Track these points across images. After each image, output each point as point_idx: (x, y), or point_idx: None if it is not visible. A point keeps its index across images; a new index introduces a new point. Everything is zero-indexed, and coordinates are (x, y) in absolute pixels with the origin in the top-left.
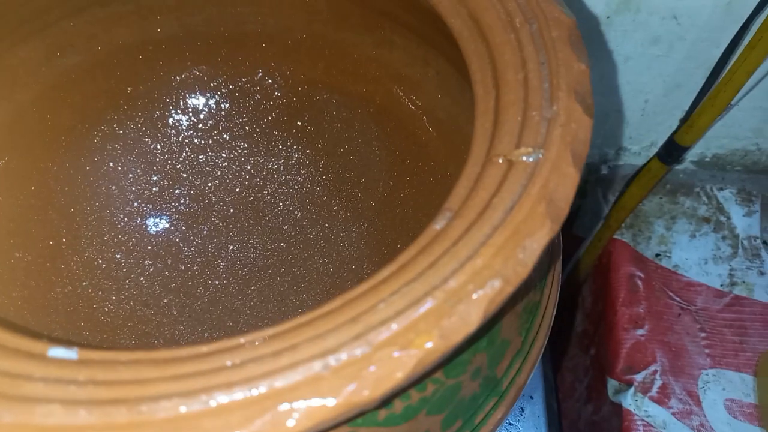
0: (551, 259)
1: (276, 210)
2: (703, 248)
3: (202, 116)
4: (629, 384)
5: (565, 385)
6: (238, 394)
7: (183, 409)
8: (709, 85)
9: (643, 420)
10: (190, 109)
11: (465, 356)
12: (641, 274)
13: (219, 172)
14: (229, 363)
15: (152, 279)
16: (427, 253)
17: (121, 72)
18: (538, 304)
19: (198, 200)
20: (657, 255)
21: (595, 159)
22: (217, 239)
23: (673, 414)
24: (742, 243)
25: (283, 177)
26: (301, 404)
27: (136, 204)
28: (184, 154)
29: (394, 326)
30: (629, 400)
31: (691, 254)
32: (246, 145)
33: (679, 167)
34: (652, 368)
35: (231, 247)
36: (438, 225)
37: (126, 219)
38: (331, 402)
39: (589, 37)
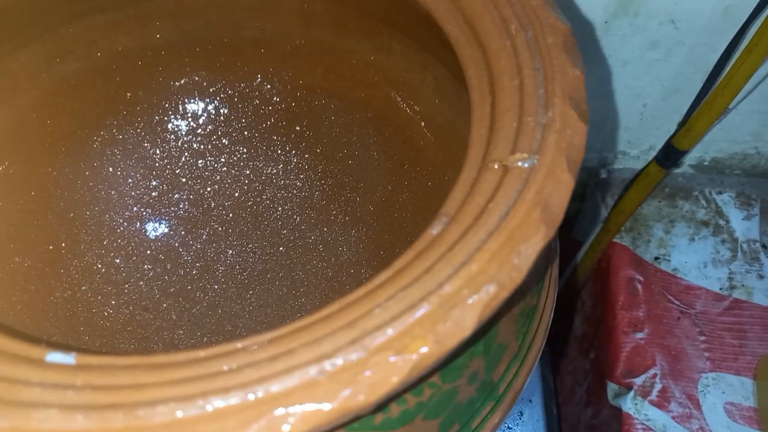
0: (548, 264)
1: (275, 214)
2: (703, 252)
3: (201, 121)
4: (629, 387)
5: (564, 389)
6: (234, 399)
7: (179, 413)
8: (706, 89)
9: (642, 423)
10: (189, 114)
11: (461, 360)
12: (641, 278)
13: (218, 177)
14: (225, 368)
15: (151, 283)
16: (423, 258)
17: (120, 78)
18: (534, 308)
19: (197, 205)
20: (656, 258)
21: (595, 163)
22: (217, 244)
23: (673, 418)
24: (741, 246)
25: (282, 182)
26: (296, 409)
27: (135, 209)
28: (183, 158)
29: (390, 331)
30: (629, 404)
31: (690, 258)
32: (245, 150)
33: (678, 171)
34: (651, 372)
35: (230, 252)
36: (434, 230)
37: (125, 224)
38: (326, 407)
39: (588, 41)
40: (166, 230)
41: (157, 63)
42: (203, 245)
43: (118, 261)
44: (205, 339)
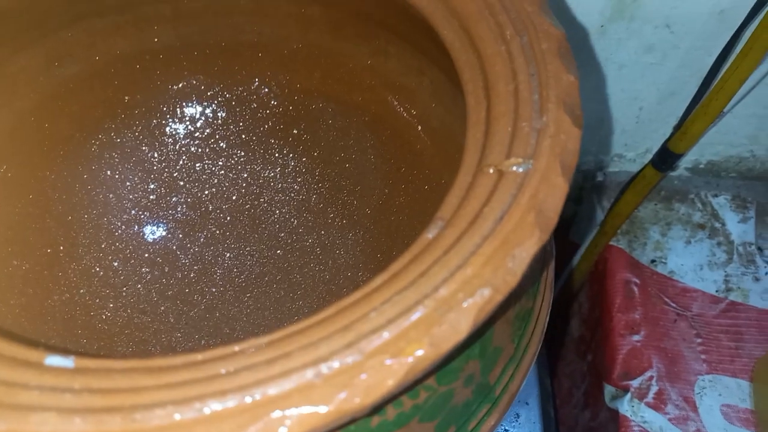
0: (543, 267)
1: (272, 218)
2: (699, 254)
3: (198, 125)
4: (626, 390)
5: (562, 391)
6: (232, 402)
7: (177, 416)
8: (701, 93)
9: (639, 426)
10: (186, 118)
11: (457, 363)
12: (637, 280)
13: (216, 180)
14: (223, 371)
15: (149, 286)
16: (419, 262)
17: (118, 81)
18: (530, 311)
19: (195, 208)
20: (653, 261)
21: (591, 166)
22: (214, 247)
23: (670, 420)
24: (737, 249)
25: (280, 185)
26: (293, 412)
27: (133, 212)
28: (181, 162)
29: (386, 334)
30: (626, 406)
31: (686, 260)
32: (242, 154)
33: (674, 174)
34: (648, 374)
35: (228, 255)
36: (430, 234)
37: (123, 227)
38: (322, 409)
39: (584, 45)
40: (164, 233)
41: (155, 67)
42: (201, 248)
43: (116, 264)
44: (202, 342)
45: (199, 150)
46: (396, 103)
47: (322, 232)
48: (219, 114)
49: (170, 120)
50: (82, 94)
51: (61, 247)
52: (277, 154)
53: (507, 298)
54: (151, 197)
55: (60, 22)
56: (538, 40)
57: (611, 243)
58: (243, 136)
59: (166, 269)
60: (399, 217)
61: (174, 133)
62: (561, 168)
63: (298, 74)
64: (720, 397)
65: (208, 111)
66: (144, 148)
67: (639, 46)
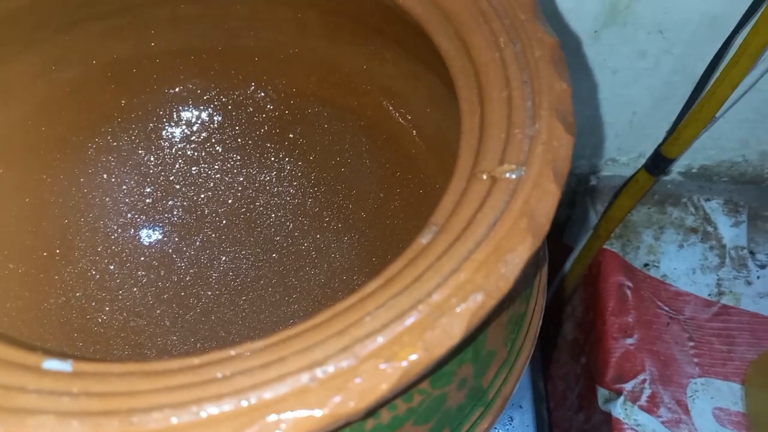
0: (536, 271)
1: (268, 221)
2: (691, 258)
3: (195, 128)
4: (619, 393)
5: (557, 394)
6: (228, 406)
7: (174, 420)
8: (694, 98)
9: (632, 429)
10: (183, 122)
11: (451, 367)
12: (630, 284)
13: (212, 184)
14: (219, 375)
15: (145, 290)
16: (413, 267)
17: (115, 85)
18: (523, 315)
19: (191, 211)
20: (645, 265)
21: (585, 170)
22: (210, 250)
23: (662, 423)
24: (729, 253)
25: (276, 189)
26: (288, 415)
27: (129, 215)
28: (177, 165)
29: (380, 339)
30: (619, 409)
31: (679, 264)
32: (238, 157)
33: (666, 178)
34: (641, 377)
35: (223, 258)
36: (424, 239)
37: (119, 230)
38: (317, 413)
39: (578, 51)
40: (160, 237)
41: (152, 71)
42: (197, 252)
43: (112, 267)
44: (198, 345)
45: (196, 154)
46: (391, 108)
47: (318, 236)
48: (215, 118)
49: (167, 124)
50: (78, 97)
51: (58, 251)
52: (272, 158)
53: (500, 303)
54: (148, 201)
55: (57, 26)
56: (532, 48)
57: (605, 247)
58: (239, 140)
59: (162, 272)
60: (394, 221)
61: (170, 136)
62: (553, 174)
63: (294, 79)
64: (712, 400)
65: (204, 115)
66: (140, 151)
67: (632, 52)
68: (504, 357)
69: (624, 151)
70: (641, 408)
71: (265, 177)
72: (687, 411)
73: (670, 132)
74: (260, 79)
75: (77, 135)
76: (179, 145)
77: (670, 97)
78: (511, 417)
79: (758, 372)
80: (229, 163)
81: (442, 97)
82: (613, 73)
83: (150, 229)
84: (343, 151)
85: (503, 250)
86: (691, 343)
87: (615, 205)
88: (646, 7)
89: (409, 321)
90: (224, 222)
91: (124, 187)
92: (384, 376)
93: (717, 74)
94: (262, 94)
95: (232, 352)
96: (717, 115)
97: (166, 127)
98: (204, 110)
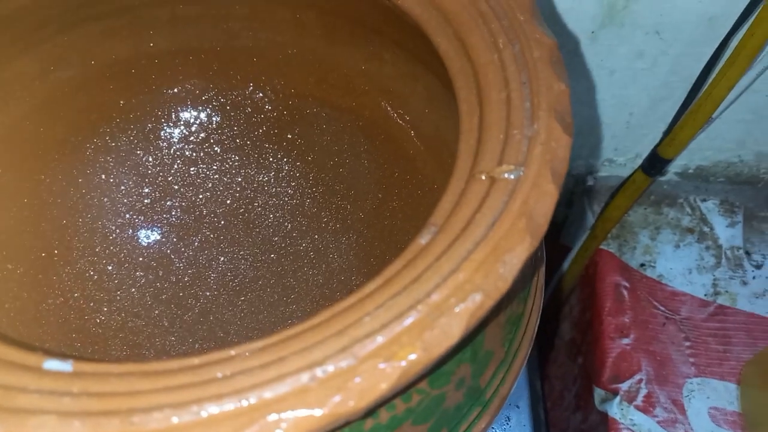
0: (533, 272)
1: (266, 222)
2: (687, 258)
3: (193, 129)
4: (615, 393)
5: (554, 394)
6: (228, 405)
7: (174, 420)
8: (690, 98)
9: (629, 429)
10: (181, 122)
11: (449, 367)
12: (627, 284)
13: (210, 184)
14: (219, 375)
15: (143, 290)
16: (412, 268)
17: (113, 86)
18: (521, 316)
19: (189, 212)
20: (642, 265)
21: (582, 170)
22: (208, 251)
23: (659, 423)
24: (725, 253)
25: (274, 189)
26: (288, 415)
27: (127, 216)
28: (175, 166)
29: (379, 339)
30: (615, 409)
31: (675, 264)
32: (237, 158)
33: (663, 179)
34: (637, 377)
35: (222, 259)
36: (423, 239)
37: (118, 231)
38: (317, 412)
39: (576, 51)
40: (159, 237)
41: (151, 71)
42: (195, 252)
43: (110, 268)
44: (196, 346)
45: (194, 154)
46: (390, 108)
47: (316, 236)
48: (214, 118)
49: (165, 124)
50: (77, 98)
51: (56, 251)
52: (271, 159)
53: (498, 303)
54: (146, 201)
55: (56, 27)
56: (530, 49)
57: (601, 247)
58: (237, 141)
59: (161, 273)
60: (392, 222)
61: (169, 137)
62: (551, 175)
63: (292, 79)
64: (708, 399)
65: (202, 115)
66: (139, 152)
67: (629, 53)
68: (502, 357)
69: (621, 152)
70: (637, 408)
71: (263, 177)
72: (683, 411)
73: (667, 132)
74: (259, 80)
75: (76, 135)
76: (178, 146)
77: (667, 97)
78: (508, 417)
79: (754, 372)
80: (228, 163)
81: (440, 97)
82: (611, 74)
83: (148, 229)
84: (341, 152)
85: (502, 250)
86: (688, 343)
87: (612, 206)
88: (643, 8)
89: (408, 321)
90: (222, 222)
91: (122, 187)
92: (383, 376)
93: (714, 75)
94: (261, 94)
95: (232, 352)
96: (714, 115)
97: (165, 128)
98: (202, 111)
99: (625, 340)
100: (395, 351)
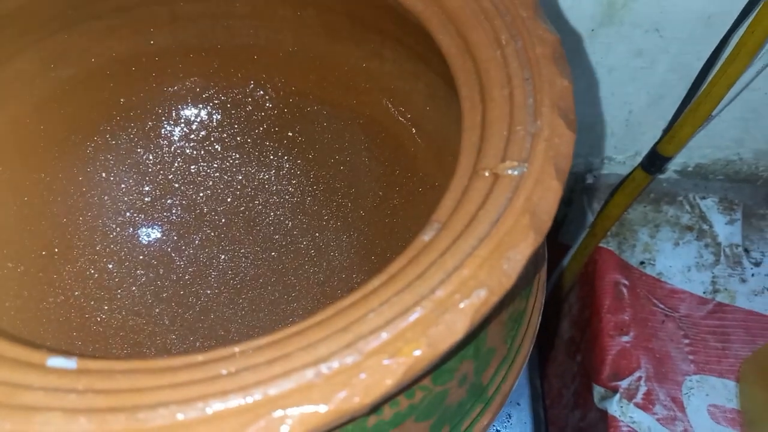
0: (536, 269)
1: (267, 220)
2: (687, 256)
3: (194, 127)
4: (615, 390)
5: (552, 392)
6: (233, 402)
7: (180, 416)
8: (690, 96)
9: (628, 426)
10: (182, 120)
11: (452, 363)
12: (626, 282)
13: (211, 183)
14: (224, 371)
15: (144, 289)
16: (416, 264)
17: (114, 84)
18: (523, 313)
19: (190, 210)
20: (641, 263)
21: (581, 168)
22: (209, 249)
23: (658, 420)
24: (724, 251)
25: (275, 187)
26: (294, 411)
27: (128, 214)
28: (176, 164)
29: (384, 335)
30: (615, 407)
31: (674, 262)
32: (237, 156)
33: (662, 176)
34: (636, 375)
35: (223, 257)
36: (426, 236)
37: (118, 229)
38: (323, 408)
39: (575, 49)
40: (159, 235)
41: (151, 69)
42: (196, 250)
43: (110, 266)
44: (197, 344)
45: (194, 152)
46: (390, 106)
47: (317, 234)
48: (214, 116)
49: (165, 122)
50: (77, 96)
51: (56, 250)
52: (271, 157)
53: (502, 299)
54: (146, 199)
55: (57, 25)
56: (533, 45)
57: (601, 245)
58: (238, 139)
59: (161, 271)
60: (393, 219)
61: (169, 135)
62: (555, 171)
63: (293, 77)
64: (707, 397)
65: (203, 113)
66: (139, 150)
67: (629, 51)
68: (504, 354)
69: (620, 150)
70: (637, 405)
71: (264, 175)
72: (682, 408)
73: (667, 130)
74: (259, 78)
75: (76, 133)
76: (178, 144)
77: (667, 95)
78: (509, 414)
79: (753, 369)
80: (228, 161)
81: (441, 95)
82: (610, 72)
83: (149, 227)
84: (342, 150)
85: (506, 246)
86: (687, 341)
87: (611, 204)
88: (642, 6)
89: (413, 317)
90: (223, 221)
91: (122, 185)
92: (388, 372)
93: (713, 73)
94: (261, 92)
95: (236, 349)
96: (713, 113)
97: (165, 126)
98: (203, 109)
99: (625, 338)
100: (400, 347)
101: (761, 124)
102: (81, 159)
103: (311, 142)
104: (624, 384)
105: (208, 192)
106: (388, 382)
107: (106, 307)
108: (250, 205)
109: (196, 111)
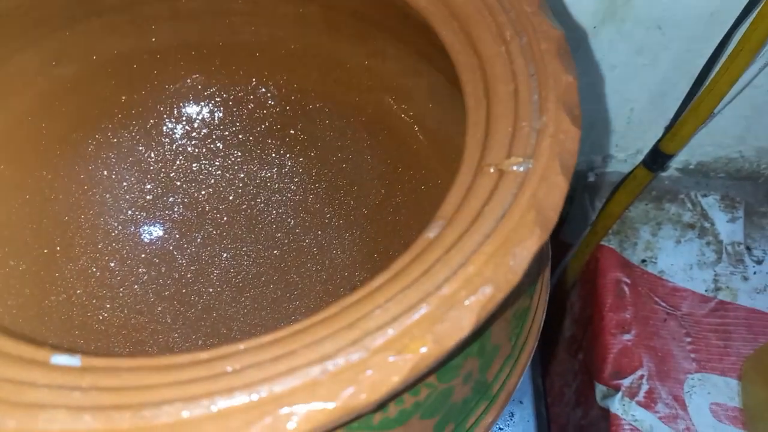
0: (540, 266)
1: (269, 218)
2: (688, 254)
3: (195, 125)
4: (617, 389)
5: (554, 390)
6: (239, 399)
7: (185, 414)
8: (692, 94)
9: (630, 424)
10: (183, 118)
11: (457, 361)
12: (628, 280)
13: (212, 181)
14: (229, 369)
15: (146, 287)
16: (421, 261)
17: (115, 81)
18: (527, 310)
19: (192, 208)
20: (643, 261)
21: (583, 166)
22: (211, 247)
23: (660, 418)
24: (726, 249)
25: (277, 185)
26: (300, 408)
27: (129, 212)
28: (177, 162)
29: (390, 332)
30: (617, 405)
31: (676, 260)
32: (239, 154)
33: (664, 174)
34: (638, 373)
35: (224, 255)
36: (431, 233)
37: (120, 227)
38: (329, 405)
39: (577, 46)
40: (161, 234)
41: (153, 66)
42: (198, 249)
43: (112, 264)
44: (200, 342)
45: (196, 150)
46: (393, 103)
47: (319, 232)
48: (216, 114)
49: (167, 120)
50: (79, 93)
51: (58, 248)
52: (274, 155)
53: (508, 296)
54: (148, 197)
55: (58, 22)
56: (538, 41)
57: (602, 243)
58: (240, 136)
59: (163, 270)
60: (396, 217)
61: (171, 133)
62: (561, 167)
63: (295, 74)
64: (709, 395)
65: (205, 111)
66: (141, 148)
67: (630, 48)
68: (508, 351)
69: (622, 148)
70: (639, 404)
71: (266, 173)
72: (684, 406)
73: (669, 127)
74: (261, 75)
75: (77, 131)
76: (180, 142)
77: (668, 93)
78: (512, 413)
79: (755, 367)
80: (230, 159)
81: (444, 92)
82: (612, 69)
83: (150, 226)
84: (344, 147)
85: (512, 243)
86: (688, 339)
87: (613, 201)
88: (644, 3)
89: (419, 314)
90: (225, 219)
91: (124, 183)
92: (395, 369)
93: (716, 70)
94: (263, 90)
95: (241, 347)
96: (715, 111)
97: (167, 124)
98: (205, 106)
99: (627, 336)
100: (406, 344)
101: (763, 121)
102: (82, 157)
103: (313, 140)
104: (626, 382)
105: (210, 190)
106: (395, 379)
107: (108, 306)
108: (252, 203)
109: (197, 108)
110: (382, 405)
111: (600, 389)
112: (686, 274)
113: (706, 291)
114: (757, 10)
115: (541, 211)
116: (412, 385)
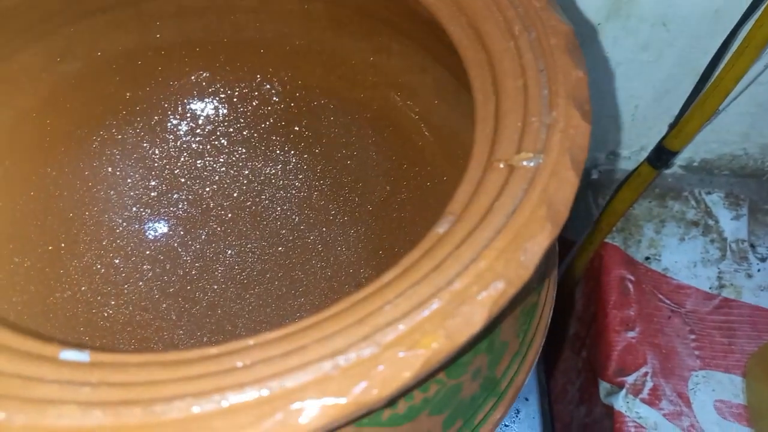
0: (549, 263)
1: (274, 214)
2: (692, 251)
3: (200, 121)
4: (621, 386)
5: (557, 388)
6: (250, 394)
7: (196, 409)
8: (697, 91)
9: (634, 421)
10: (188, 115)
11: (466, 357)
12: (632, 277)
13: (217, 177)
14: (239, 364)
15: (151, 284)
16: (431, 257)
17: (120, 78)
18: (535, 307)
19: (196, 205)
20: (647, 258)
21: (587, 164)
22: (216, 244)
23: (664, 415)
24: (730, 246)
25: (281, 182)
26: (311, 403)
27: (134, 209)
28: (182, 159)
29: (401, 327)
30: (621, 402)
31: (680, 257)
32: (244, 150)
33: (668, 172)
34: (643, 370)
35: (229, 252)
36: (441, 229)
37: (124, 224)
38: (341, 401)
39: (581, 43)
40: (165, 230)
41: (157, 63)
42: (202, 245)
43: (117, 261)
44: (205, 339)
45: (201, 147)
46: (398, 100)
47: (324, 229)
48: (220, 111)
49: (172, 117)
50: (83, 90)
51: (63, 245)
52: (278, 151)
53: (519, 291)
54: (153, 194)
55: (63, 18)
56: (547, 36)
57: (606, 240)
58: (244, 133)
59: (168, 266)
60: (401, 214)
61: (175, 129)
62: (571, 162)
63: (300, 71)
64: (713, 392)
65: (209, 107)
66: (145, 144)
67: (635, 45)
68: (516, 348)
69: (626, 145)
70: (643, 401)
71: (270, 170)
72: (689, 403)
73: (674, 124)
74: (266, 72)
75: (82, 128)
76: (184, 138)
77: (673, 90)
78: (517, 410)
79: (759, 364)
80: (235, 156)
81: (449, 88)
82: (616, 66)
83: (155, 222)
84: (349, 144)
85: (523, 238)
86: (693, 336)
87: (617, 199)
88: (649, 0)
89: (430, 309)
90: (230, 215)
91: (129, 180)
92: (407, 364)
93: (720, 67)
94: (268, 86)
95: (251, 342)
96: (720, 108)
97: (171, 120)
98: (209, 103)
99: (631, 334)
100: (418, 339)
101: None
102: (87, 153)
103: (318, 137)
104: (630, 379)
105: (215, 187)
106: (407, 375)
107: (113, 303)
108: (257, 200)
109: (202, 105)
110: (393, 401)
111: (604, 386)
112: (690, 271)
113: (710, 288)
114: (763, 7)
115: (552, 207)
116: (422, 381)
